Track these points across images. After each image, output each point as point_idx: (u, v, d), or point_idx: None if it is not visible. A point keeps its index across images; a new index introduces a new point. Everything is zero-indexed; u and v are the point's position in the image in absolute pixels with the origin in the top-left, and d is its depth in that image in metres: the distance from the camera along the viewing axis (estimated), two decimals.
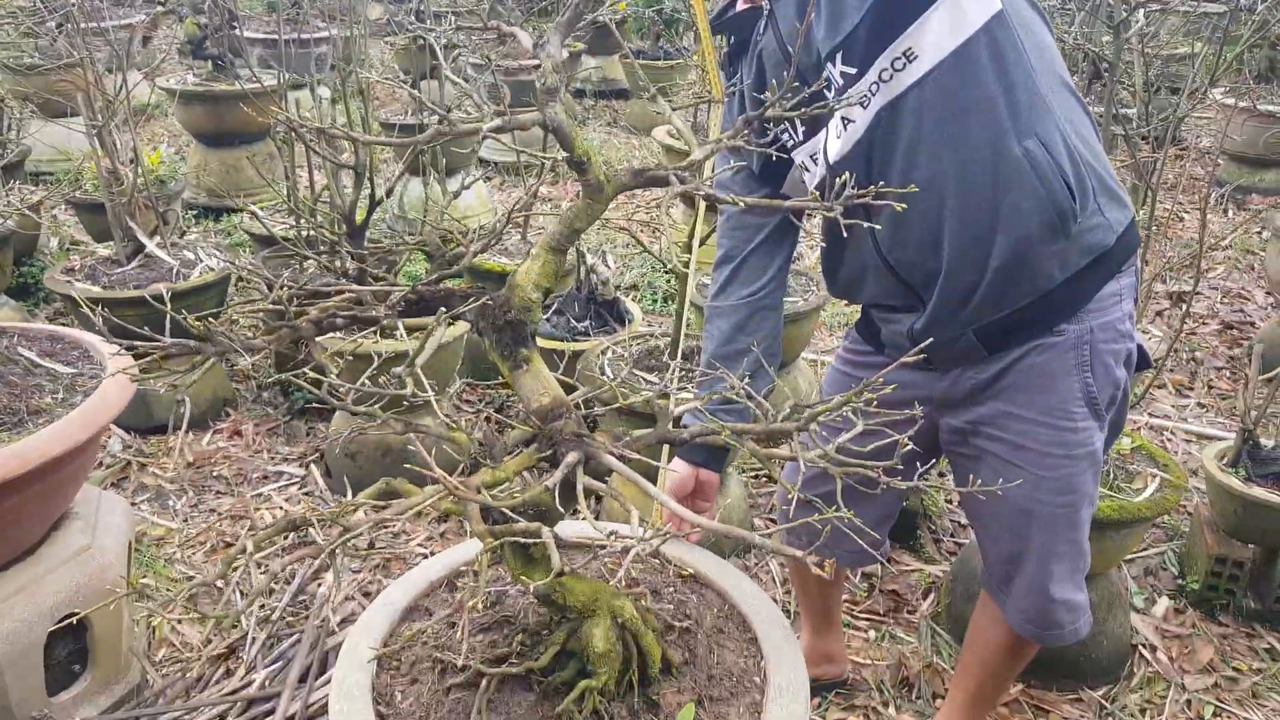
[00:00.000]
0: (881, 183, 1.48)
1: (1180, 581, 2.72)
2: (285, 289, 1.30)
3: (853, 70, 1.45)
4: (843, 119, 1.50)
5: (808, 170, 1.63)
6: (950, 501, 2.99)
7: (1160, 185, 2.61)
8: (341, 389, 1.26)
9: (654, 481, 1.49)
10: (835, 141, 1.53)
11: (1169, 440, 3.51)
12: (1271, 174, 5.91)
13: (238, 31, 5.41)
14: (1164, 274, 4.73)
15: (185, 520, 2.80)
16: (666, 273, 4.23)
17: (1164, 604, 2.63)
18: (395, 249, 2.25)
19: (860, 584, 2.69)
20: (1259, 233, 5.40)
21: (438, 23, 5.83)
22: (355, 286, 1.28)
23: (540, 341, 2.97)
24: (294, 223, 3.56)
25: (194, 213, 4.93)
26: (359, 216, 2.80)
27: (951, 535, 2.87)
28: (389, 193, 2.72)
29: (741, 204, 1.20)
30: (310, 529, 2.77)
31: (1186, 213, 5.70)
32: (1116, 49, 2.40)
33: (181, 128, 5.41)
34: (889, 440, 1.07)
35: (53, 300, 3.85)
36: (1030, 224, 1.47)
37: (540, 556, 1.23)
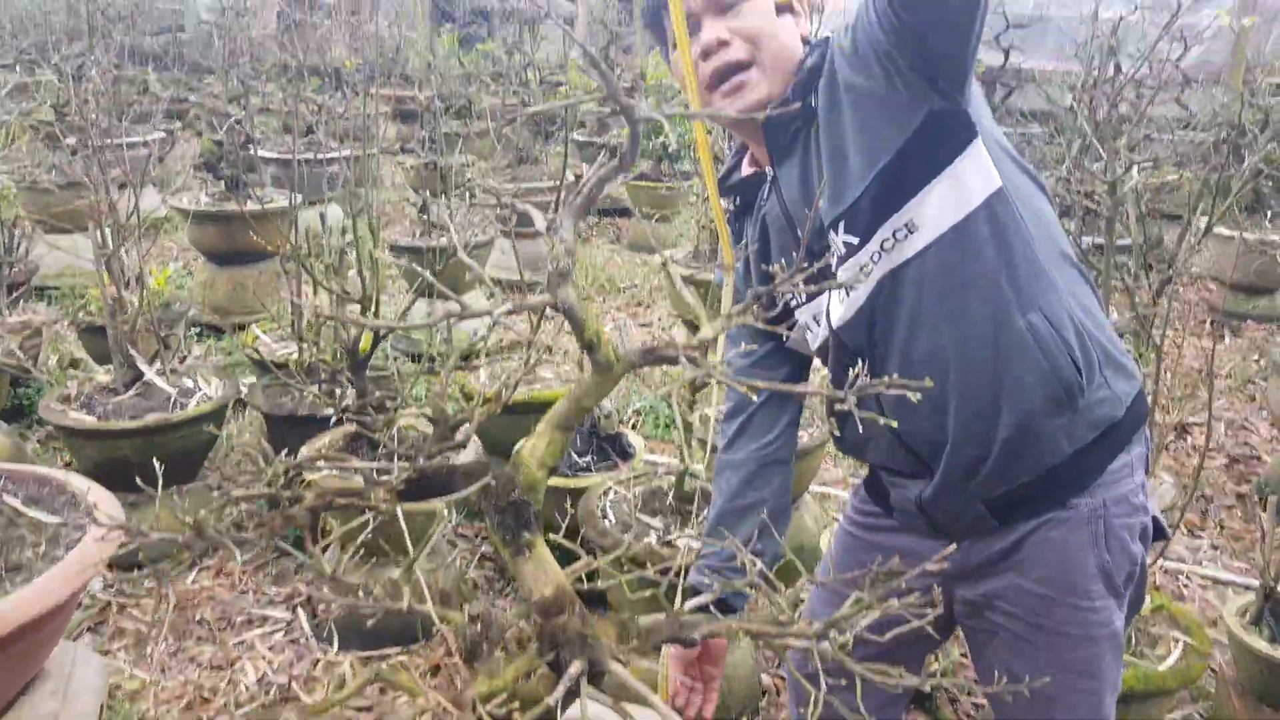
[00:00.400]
0: (882, 352, 1.48)
1: None
2: (281, 463, 1.24)
3: (854, 240, 1.45)
4: (845, 288, 1.50)
5: (810, 330, 1.62)
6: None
7: (1156, 315, 2.59)
8: (330, 563, 1.19)
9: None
10: (838, 306, 1.53)
11: (1185, 586, 3.40)
12: (1264, 301, 5.97)
13: (253, 152, 5.51)
14: (1167, 404, 4.68)
15: (163, 670, 2.67)
16: (666, 405, 4.18)
17: None
18: (393, 403, 2.20)
19: None
20: (1257, 360, 5.37)
21: (450, 146, 5.95)
22: (354, 463, 1.22)
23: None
24: (297, 346, 3.53)
25: (196, 330, 4.91)
26: (363, 348, 2.76)
27: (969, 693, 2.74)
28: (393, 329, 2.68)
29: (753, 389, 1.15)
30: (294, 683, 2.65)
31: (1183, 338, 5.69)
32: (1113, 205, 2.40)
33: (190, 243, 5.45)
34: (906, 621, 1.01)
35: (45, 424, 3.79)
36: (1035, 398, 1.44)
37: None
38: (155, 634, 2.74)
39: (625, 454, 3.17)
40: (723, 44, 1.48)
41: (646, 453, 3.26)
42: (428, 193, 5.14)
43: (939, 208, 1.40)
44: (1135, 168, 2.78)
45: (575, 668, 1.02)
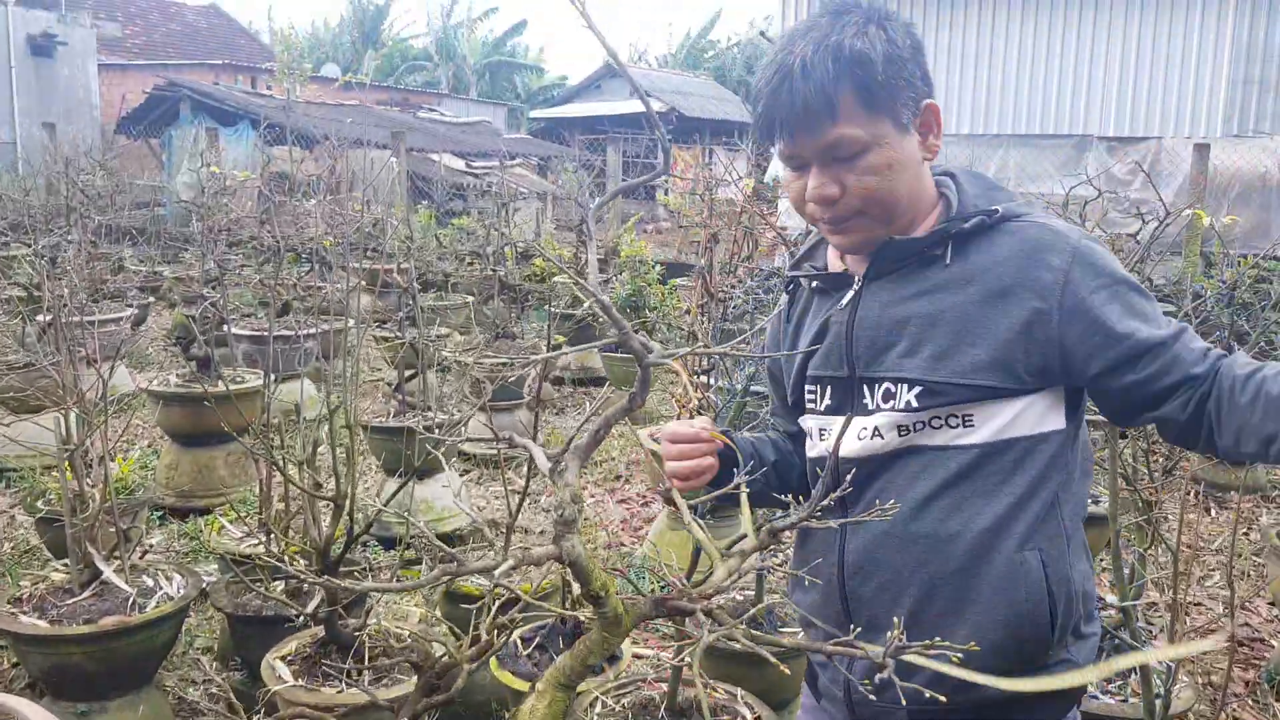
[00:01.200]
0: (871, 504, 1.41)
1: None
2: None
3: (916, 404, 1.41)
4: (875, 428, 1.45)
5: (810, 437, 1.60)
6: None
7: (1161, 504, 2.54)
8: None
9: None
10: (855, 441, 1.47)
11: None
12: (1246, 471, 5.96)
13: (226, 329, 5.48)
14: (1163, 582, 4.60)
15: None
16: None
17: None
18: (372, 592, 2.07)
19: None
20: (1246, 534, 5.32)
21: (428, 322, 5.96)
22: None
23: (516, 683, 2.74)
24: (263, 539, 3.39)
25: (159, 514, 4.74)
26: (334, 550, 2.64)
27: None
28: (368, 527, 2.58)
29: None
30: None
31: (1173, 514, 5.65)
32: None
33: (156, 423, 5.34)
34: None
35: None
36: (996, 634, 1.39)
37: None
38: None
39: (612, 656, 3.02)
40: (831, 198, 1.41)
41: (633, 648, 3.10)
42: (403, 370, 5.10)
43: (1005, 419, 1.39)
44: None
45: None
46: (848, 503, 1.47)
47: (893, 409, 1.43)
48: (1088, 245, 1.39)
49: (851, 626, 1.46)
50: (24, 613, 2.82)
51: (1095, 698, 2.63)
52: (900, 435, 1.42)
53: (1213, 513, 5.76)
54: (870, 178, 1.38)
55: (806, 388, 1.57)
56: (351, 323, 4.12)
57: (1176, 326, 1.37)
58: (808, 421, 1.59)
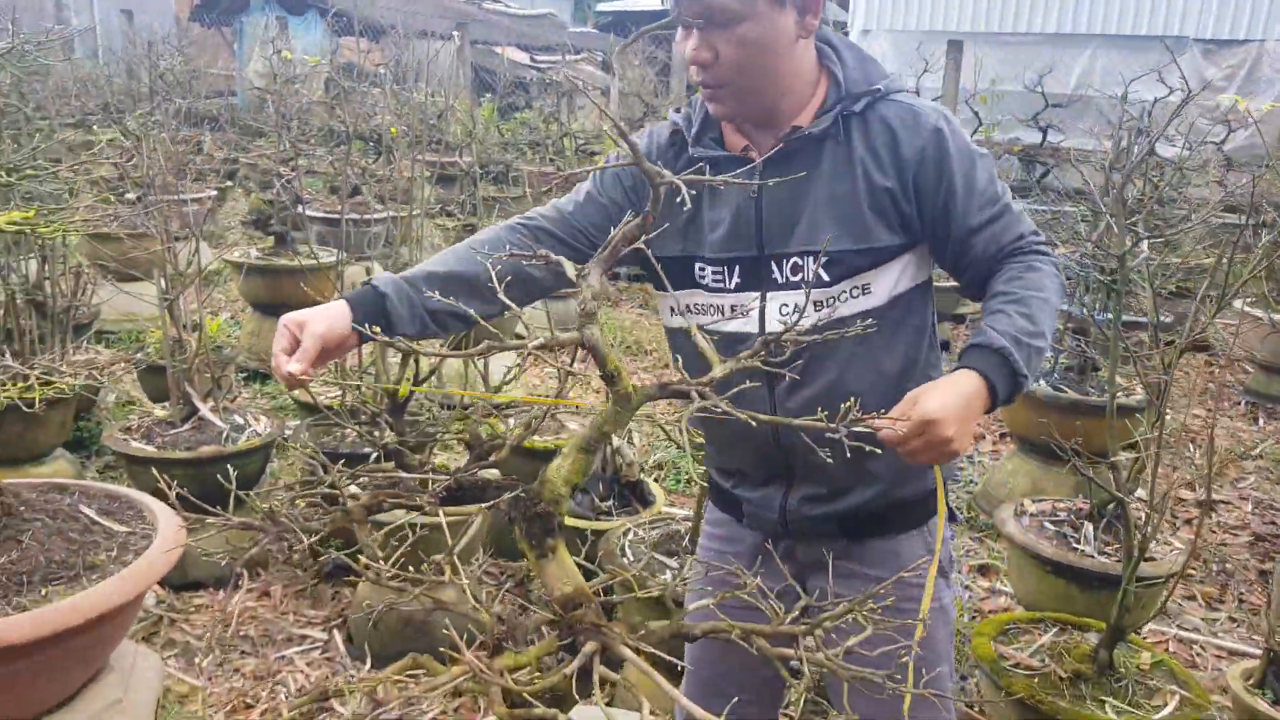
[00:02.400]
0: (798, 371, 1.61)
1: None
2: (339, 473, 1.43)
3: (826, 278, 1.63)
4: (795, 305, 1.63)
5: (704, 314, 1.72)
6: None
7: (1190, 393, 2.73)
8: (374, 566, 1.37)
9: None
10: (776, 323, 1.66)
11: (1199, 655, 3.47)
12: None
13: (301, 210, 5.81)
14: (1195, 482, 4.78)
15: (210, 679, 2.85)
16: (692, 456, 4.35)
17: None
18: (435, 434, 2.39)
19: None
20: None
21: (487, 210, 6.23)
22: (402, 474, 1.41)
23: (566, 519, 3.07)
24: (339, 392, 3.75)
25: (244, 375, 5.16)
26: (401, 393, 2.97)
27: None
28: (432, 372, 2.90)
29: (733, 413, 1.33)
30: (337, 700, 2.81)
31: (1215, 419, 5.79)
32: (1122, 277, 2.58)
33: (239, 294, 5.73)
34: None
35: (104, 454, 4.03)
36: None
37: None
38: (206, 643, 2.92)
39: (646, 501, 3.34)
40: (704, 61, 1.55)
41: (667, 504, 3.43)
42: None
43: (893, 278, 1.66)
44: (1145, 242, 2.96)
45: (589, 647, 1.20)
46: (774, 377, 1.63)
47: (803, 282, 1.64)
48: (946, 120, 1.63)
49: (793, 472, 1.75)
50: (134, 439, 3.22)
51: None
52: (816, 310, 1.64)
53: (1260, 421, 5.87)
54: (741, 49, 1.53)
55: (709, 268, 1.71)
56: (416, 210, 4.40)
57: (1002, 207, 1.66)
58: (709, 297, 1.72)
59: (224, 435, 3.28)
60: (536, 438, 3.66)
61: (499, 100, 10.26)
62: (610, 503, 3.27)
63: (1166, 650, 3.43)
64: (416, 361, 2.94)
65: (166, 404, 3.50)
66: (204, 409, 3.34)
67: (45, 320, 3.60)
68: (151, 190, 3.97)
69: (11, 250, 3.55)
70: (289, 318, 1.55)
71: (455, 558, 1.39)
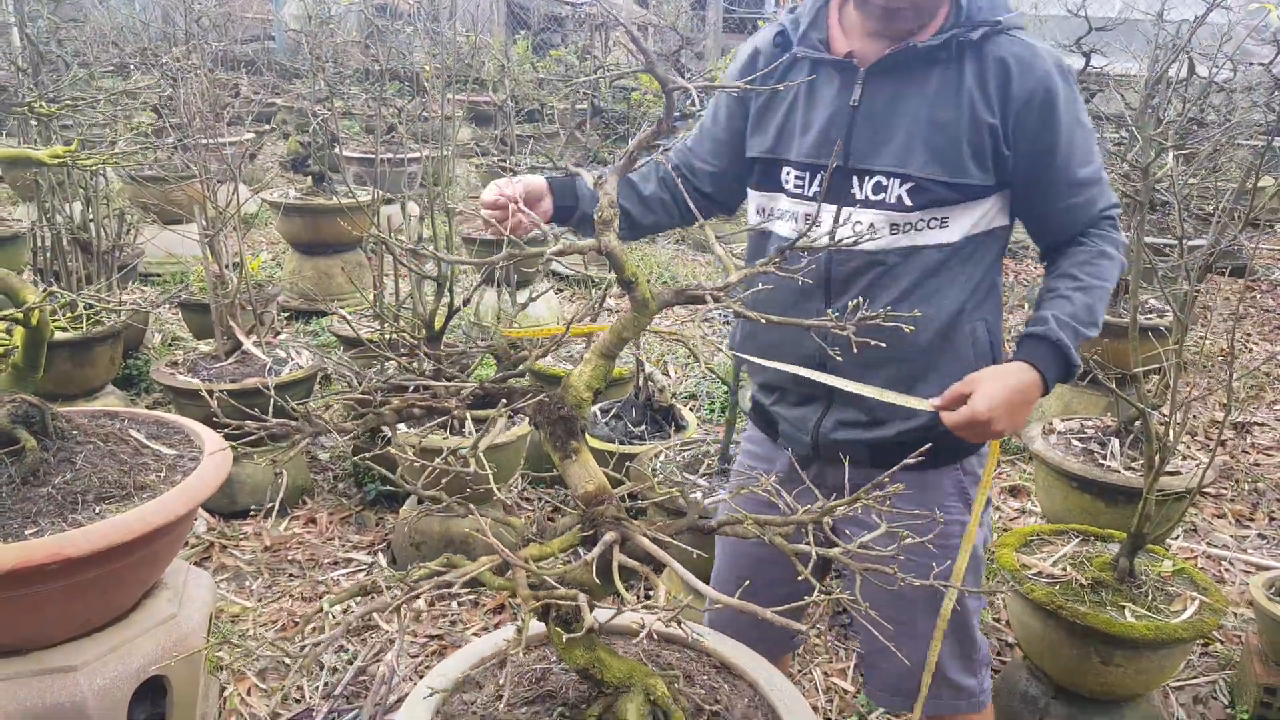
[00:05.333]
0: (860, 291, 1.66)
1: (1230, 711, 2.70)
2: (372, 381, 1.49)
3: (909, 202, 1.63)
4: (870, 224, 1.65)
5: (782, 219, 1.74)
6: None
7: (1227, 317, 2.72)
8: (410, 479, 1.43)
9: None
10: (849, 233, 1.64)
11: (1227, 570, 3.49)
12: None
13: (337, 150, 5.86)
14: (1230, 405, 4.73)
15: (260, 600, 2.98)
16: (721, 382, 4.39)
17: None
18: (468, 352, 2.44)
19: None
20: None
21: (521, 147, 6.23)
22: (431, 381, 1.47)
23: (595, 443, 3.13)
24: (378, 327, 3.83)
25: (286, 315, 5.27)
26: (437, 323, 3.03)
27: None
28: (466, 302, 2.95)
29: (767, 319, 1.36)
30: (377, 612, 2.92)
31: (1255, 344, 5.72)
32: (1145, 190, 2.55)
33: (279, 236, 5.83)
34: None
35: (153, 390, 4.16)
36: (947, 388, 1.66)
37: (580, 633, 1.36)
38: (255, 566, 3.04)
39: (677, 427, 3.40)
40: None
41: (699, 433, 3.48)
42: None
43: (973, 219, 1.65)
44: (1171, 154, 2.92)
45: (608, 536, 1.25)
46: (833, 291, 1.70)
47: (882, 203, 1.64)
48: (1061, 73, 1.60)
49: (835, 395, 1.76)
50: (179, 373, 3.33)
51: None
52: (891, 233, 1.64)
53: None
54: None
55: (793, 172, 1.72)
56: (450, 149, 4.43)
57: (1095, 175, 1.66)
58: (784, 203, 1.73)
59: (267, 368, 3.37)
60: (568, 366, 3.72)
61: (533, 37, 10.18)
62: (643, 428, 3.32)
63: (1195, 566, 3.45)
64: (450, 292, 2.99)
65: (211, 340, 3.60)
66: (247, 343, 3.44)
67: (91, 260, 3.70)
68: (190, 132, 4.03)
69: (56, 191, 3.65)
70: (495, 182, 1.69)
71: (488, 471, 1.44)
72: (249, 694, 2.59)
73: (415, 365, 3.38)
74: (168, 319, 5.14)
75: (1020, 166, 1.62)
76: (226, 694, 2.57)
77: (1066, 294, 1.63)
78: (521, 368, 1.53)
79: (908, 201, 1.62)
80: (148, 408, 4.12)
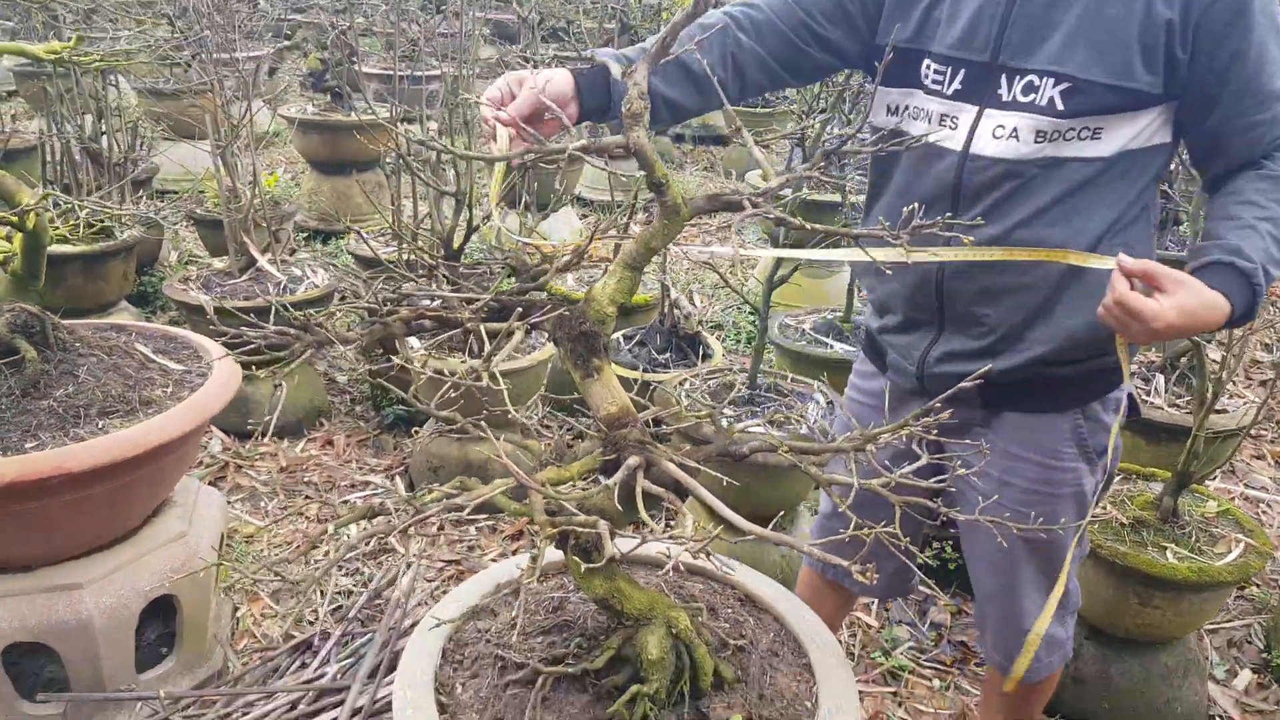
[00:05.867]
0: (990, 205, 1.50)
1: (1266, 655, 2.62)
2: (381, 292, 1.39)
3: (1061, 106, 1.44)
4: (1014, 129, 1.48)
5: (916, 119, 1.58)
6: None
7: None
8: (424, 398, 1.34)
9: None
10: (991, 141, 1.50)
11: (1264, 512, 3.39)
12: None
13: (356, 67, 5.70)
14: (1274, 345, 4.58)
15: (275, 521, 2.93)
16: (750, 311, 4.27)
17: (1246, 677, 2.54)
18: (488, 266, 2.35)
19: (928, 632, 2.67)
20: None
21: (548, 66, 6.03)
22: (445, 292, 1.37)
23: (619, 370, 3.04)
24: (397, 247, 3.73)
25: (304, 235, 5.17)
26: (456, 241, 2.92)
27: None
28: (486, 218, 2.84)
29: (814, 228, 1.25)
30: (392, 535, 2.87)
31: None
32: None
33: (298, 155, 5.70)
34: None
35: (169, 309, 4.09)
36: (1078, 325, 1.52)
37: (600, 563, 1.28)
38: (271, 487, 2.99)
39: (704, 355, 3.29)
40: None
41: (725, 361, 3.38)
42: None
43: (1131, 133, 1.46)
44: None
45: (632, 461, 1.16)
46: (961, 203, 1.54)
47: (1032, 106, 1.45)
48: None
49: (944, 320, 1.63)
50: (192, 289, 3.24)
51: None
52: (1037, 142, 1.46)
53: None
54: None
55: (933, 65, 1.54)
56: (472, 67, 4.26)
57: None
58: (924, 102, 1.56)
59: (282, 286, 3.28)
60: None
61: None
62: (667, 355, 3.22)
63: (1230, 498, 3.36)
64: (470, 208, 2.88)
65: (226, 257, 3.51)
66: (262, 260, 3.34)
67: (102, 172, 3.60)
68: (204, 45, 3.90)
69: (64, 100, 3.53)
70: (509, 75, 1.46)
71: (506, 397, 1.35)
72: (262, 615, 2.55)
73: (433, 286, 3.28)
74: (185, 237, 5.05)
75: (1198, 74, 1.41)
76: (239, 615, 2.53)
77: (1253, 224, 1.41)
78: (541, 281, 1.43)
79: (1060, 105, 1.44)
80: (169, 321, 4.07)
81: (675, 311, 3.19)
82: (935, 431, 1.15)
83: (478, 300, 1.33)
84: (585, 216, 6.10)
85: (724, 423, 2.62)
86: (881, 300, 1.77)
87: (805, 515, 2.80)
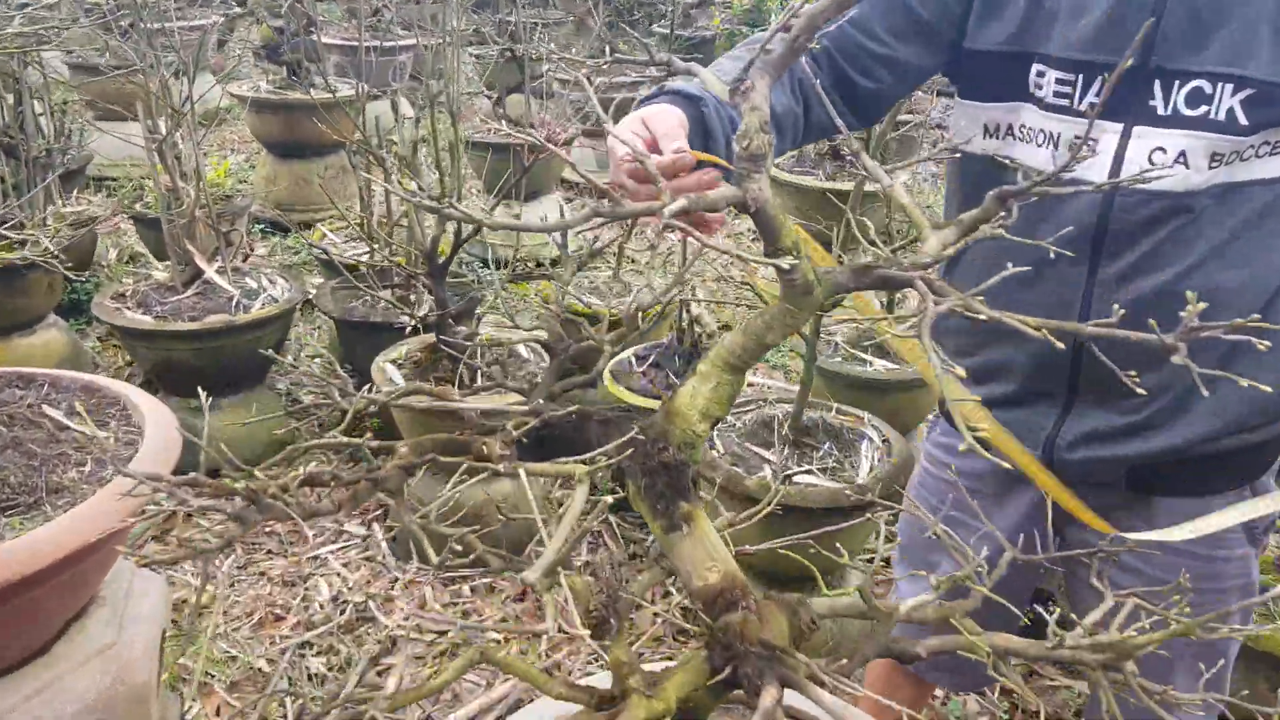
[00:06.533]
0: (1151, 251, 1.14)
1: None
2: (363, 399, 0.96)
3: (1244, 120, 1.09)
4: (1181, 154, 1.13)
5: (1028, 142, 1.22)
6: None
7: None
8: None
9: None
10: (1143, 163, 1.14)
11: None
12: None
13: (315, 37, 5.18)
14: None
15: (232, 585, 2.50)
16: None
17: None
18: (480, 298, 1.92)
19: (999, 703, 2.30)
20: None
21: (529, 35, 5.55)
22: (460, 403, 0.94)
23: (634, 399, 2.62)
24: (368, 247, 3.27)
25: (261, 227, 4.68)
26: (441, 252, 2.48)
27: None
28: (476, 231, 2.40)
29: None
30: (371, 602, 2.45)
31: None
32: None
33: (252, 135, 5.19)
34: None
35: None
36: (1243, 412, 1.22)
37: None
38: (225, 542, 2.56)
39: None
40: None
41: (753, 376, 2.97)
42: (504, 88, 4.79)
43: None
44: None
45: (769, 698, 0.74)
46: (1105, 250, 1.18)
47: (1205, 121, 1.10)
48: None
49: (1077, 391, 1.26)
50: (127, 308, 2.78)
51: None
52: (1212, 167, 1.11)
53: None
54: None
55: (1051, 74, 1.18)
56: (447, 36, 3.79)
57: None
58: (1036, 119, 1.20)
59: (234, 302, 2.82)
60: (595, 301, 3.17)
61: None
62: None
63: None
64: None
65: (168, 264, 3.04)
66: (209, 270, 2.88)
67: (21, 168, 3.10)
68: (139, 17, 3.38)
69: None
70: (628, 121, 1.07)
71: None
72: (218, 713, 2.12)
73: (412, 298, 2.84)
74: (126, 229, 4.54)
75: None
76: (190, 716, 2.10)
77: None
78: (593, 372, 1.01)
79: (1242, 119, 1.08)
80: (100, 340, 3.58)
81: (696, 328, 2.77)
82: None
83: (507, 418, 0.91)
84: (569, 200, 5.64)
85: (765, 471, 2.22)
86: (985, 368, 1.38)
87: (857, 576, 2.41)
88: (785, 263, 0.78)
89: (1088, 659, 0.75)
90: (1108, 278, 1.17)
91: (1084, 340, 1.21)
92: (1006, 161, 1.20)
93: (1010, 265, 0.78)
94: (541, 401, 0.96)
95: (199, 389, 1.37)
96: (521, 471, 0.84)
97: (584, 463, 0.84)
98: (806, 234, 1.10)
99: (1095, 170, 1.14)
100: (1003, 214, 0.88)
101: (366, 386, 2.60)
